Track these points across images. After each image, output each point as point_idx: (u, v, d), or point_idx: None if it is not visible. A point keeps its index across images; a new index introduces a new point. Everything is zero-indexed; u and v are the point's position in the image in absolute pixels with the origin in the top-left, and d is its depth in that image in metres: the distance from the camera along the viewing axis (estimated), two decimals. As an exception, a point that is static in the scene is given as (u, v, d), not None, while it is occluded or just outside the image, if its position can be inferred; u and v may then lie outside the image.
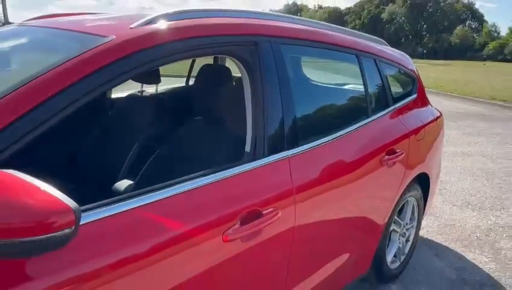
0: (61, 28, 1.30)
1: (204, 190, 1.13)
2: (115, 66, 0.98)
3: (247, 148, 1.33)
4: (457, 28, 66.39)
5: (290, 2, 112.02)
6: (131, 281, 0.91)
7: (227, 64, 2.29)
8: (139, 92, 2.29)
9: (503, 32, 66.43)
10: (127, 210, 0.93)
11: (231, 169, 1.23)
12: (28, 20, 1.86)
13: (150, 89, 2.41)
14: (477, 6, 76.89)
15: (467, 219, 3.27)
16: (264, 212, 1.23)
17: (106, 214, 0.89)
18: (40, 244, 0.66)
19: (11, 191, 0.65)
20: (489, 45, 59.85)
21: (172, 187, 1.06)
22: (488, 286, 2.37)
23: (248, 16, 1.47)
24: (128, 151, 1.71)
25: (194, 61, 2.78)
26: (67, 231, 0.67)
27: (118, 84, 1.03)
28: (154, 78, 2.08)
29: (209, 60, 2.55)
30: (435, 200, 3.51)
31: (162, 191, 1.03)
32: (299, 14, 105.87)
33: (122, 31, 1.08)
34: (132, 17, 1.25)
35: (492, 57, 55.88)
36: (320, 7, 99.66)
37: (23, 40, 1.42)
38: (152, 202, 0.99)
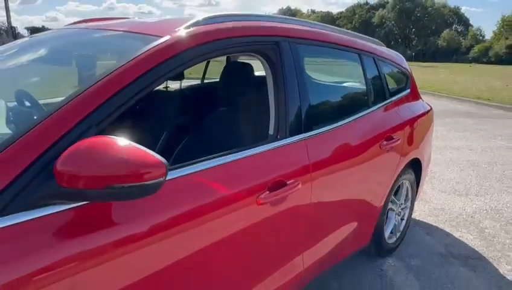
0: (119, 30, 1.49)
1: (239, 163, 1.33)
2: (172, 61, 1.18)
3: (271, 131, 1.54)
4: (444, 31, 66.95)
5: (285, 7, 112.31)
6: (194, 230, 1.12)
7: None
8: (164, 87, 2.48)
9: (488, 35, 67.19)
10: (187, 174, 1.12)
11: (259, 147, 1.43)
12: (71, 24, 2.05)
13: (173, 85, 2.61)
14: (463, 10, 77.46)
15: (454, 203, 3.50)
16: (288, 182, 1.43)
17: (175, 176, 1.09)
18: (141, 189, 0.85)
19: (117, 152, 0.85)
20: (474, 48, 60.48)
21: (215, 160, 1.25)
22: (473, 259, 2.59)
23: (270, 20, 1.67)
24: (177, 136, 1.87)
25: (208, 62, 2.96)
26: (160, 180, 0.87)
27: (173, 75, 1.22)
28: (180, 75, 2.28)
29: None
30: (426, 187, 3.75)
31: (208, 161, 1.22)
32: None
33: (173, 32, 1.28)
34: (176, 20, 1.45)
35: (477, 60, 56.48)
36: (313, 12, 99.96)
37: (92, 39, 1.61)
38: (202, 170, 1.19)
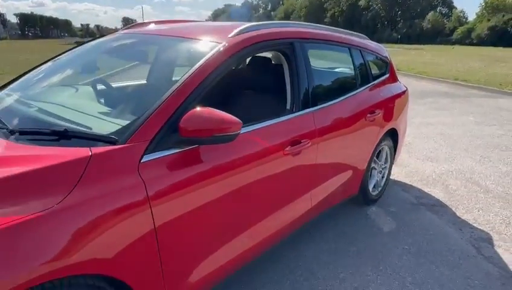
0: (188, 36, 2.06)
1: (272, 127, 1.94)
2: (229, 60, 1.77)
3: (288, 106, 2.15)
4: (429, 14, 67.38)
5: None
6: (249, 166, 1.73)
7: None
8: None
9: (471, 17, 67.92)
10: (246, 132, 1.71)
11: (282, 117, 2.04)
12: (128, 27, 2.61)
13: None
14: (447, -8, 77.57)
15: (426, 167, 4.19)
16: (302, 141, 2.05)
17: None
18: (228, 137, 1.46)
19: (214, 117, 1.45)
20: (458, 30, 61.15)
21: (260, 124, 1.86)
22: (437, 206, 3.28)
23: (286, 26, 2.26)
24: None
25: None
26: (238, 132, 1.48)
27: (227, 71, 1.80)
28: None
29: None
30: (404, 156, 4.43)
31: (257, 124, 1.83)
32: (281, 1, 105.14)
33: (226, 38, 1.86)
34: (225, 27, 2.04)
35: (460, 41, 57.26)
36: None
37: (168, 44, 2.17)
38: (254, 129, 1.79)
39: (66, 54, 2.42)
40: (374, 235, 2.78)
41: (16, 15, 61.68)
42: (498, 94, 9.73)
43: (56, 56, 2.44)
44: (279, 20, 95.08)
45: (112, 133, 1.40)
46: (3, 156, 1.30)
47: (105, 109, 1.85)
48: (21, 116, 1.70)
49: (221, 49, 1.77)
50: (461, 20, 67.42)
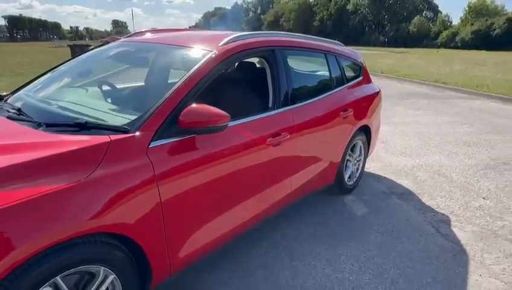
0: (183, 45, 2.40)
1: (257, 121, 2.28)
2: (217, 67, 2.11)
3: (270, 104, 2.50)
4: (415, 18, 68.72)
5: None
6: (237, 154, 2.07)
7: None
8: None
9: (455, 21, 69.48)
10: (233, 125, 2.05)
11: (264, 113, 2.39)
12: (130, 35, 2.94)
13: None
14: (432, -3, 79.23)
15: (400, 161, 4.59)
16: (282, 134, 2.41)
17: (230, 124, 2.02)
18: (218, 128, 1.81)
19: (207, 112, 1.79)
20: (442, 34, 62.50)
21: (246, 118, 2.20)
22: (406, 195, 3.67)
23: (269, 36, 2.62)
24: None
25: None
26: (226, 124, 1.82)
27: (218, 74, 2.14)
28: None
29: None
30: (380, 151, 4.82)
31: (243, 119, 2.17)
32: (271, 5, 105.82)
33: (216, 47, 2.20)
34: (216, 36, 2.38)
35: (445, 45, 58.56)
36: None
37: (165, 51, 2.51)
38: (241, 123, 2.13)
39: (74, 59, 2.74)
40: (348, 219, 3.14)
41: (5, 17, 61.15)
42: (474, 95, 10.26)
43: (65, 62, 2.76)
44: (269, 23, 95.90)
45: (124, 125, 1.74)
46: (39, 141, 1.62)
47: (115, 106, 2.18)
48: (45, 111, 2.01)
49: (213, 56, 2.11)
50: (446, 24, 68.88)
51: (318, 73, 3.32)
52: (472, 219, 3.19)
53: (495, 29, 52.65)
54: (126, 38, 2.88)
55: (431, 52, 39.80)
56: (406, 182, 3.97)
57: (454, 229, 3.01)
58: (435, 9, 75.57)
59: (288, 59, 2.66)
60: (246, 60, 2.78)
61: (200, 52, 2.19)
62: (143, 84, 2.72)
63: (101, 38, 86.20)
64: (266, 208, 2.46)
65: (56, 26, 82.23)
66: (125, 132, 1.69)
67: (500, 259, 2.62)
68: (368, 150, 3.83)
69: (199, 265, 2.18)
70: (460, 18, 66.18)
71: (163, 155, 1.74)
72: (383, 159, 4.63)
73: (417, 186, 3.86)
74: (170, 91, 1.88)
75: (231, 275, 2.32)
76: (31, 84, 2.53)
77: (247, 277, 2.31)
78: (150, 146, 1.70)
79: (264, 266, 2.43)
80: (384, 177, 4.10)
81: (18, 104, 2.12)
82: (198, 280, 2.25)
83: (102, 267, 1.55)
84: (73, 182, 1.43)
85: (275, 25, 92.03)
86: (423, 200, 3.55)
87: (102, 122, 1.81)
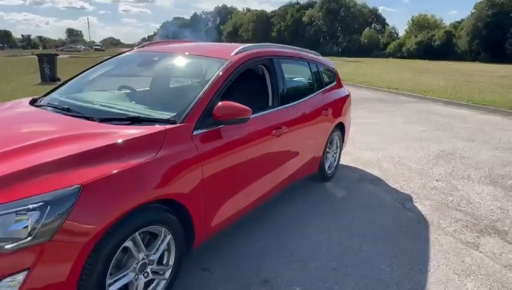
0: (202, 54, 2.83)
1: (263, 116, 2.76)
2: (233, 72, 2.57)
3: (270, 103, 2.99)
4: (365, 30, 72.81)
5: (221, 5, 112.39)
6: (254, 141, 2.54)
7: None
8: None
9: (401, 33, 74.34)
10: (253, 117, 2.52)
11: (266, 111, 2.88)
12: (143, 45, 3.32)
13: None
14: (380, 10, 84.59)
15: (366, 155, 5.26)
16: (282, 127, 2.91)
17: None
18: (243, 120, 2.27)
19: (235, 107, 2.24)
20: (390, 45, 66.66)
21: (258, 113, 2.67)
22: (375, 180, 4.30)
23: (268, 47, 3.12)
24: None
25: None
26: (249, 116, 2.28)
27: (234, 79, 2.60)
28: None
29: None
30: (349, 147, 5.46)
31: (258, 114, 2.63)
32: (229, 16, 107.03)
33: (229, 56, 2.67)
34: (227, 47, 2.84)
35: (393, 55, 62.53)
36: (248, 10, 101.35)
37: (176, 62, 2.92)
38: (255, 117, 2.58)
39: (99, 66, 3.08)
40: (331, 201, 3.70)
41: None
42: (422, 100, 11.43)
43: (92, 67, 3.11)
44: (228, 33, 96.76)
45: (172, 117, 2.15)
46: (105, 131, 1.99)
47: (148, 104, 2.54)
48: (92, 109, 2.36)
49: (229, 64, 2.58)
50: (393, 36, 73.53)
51: (303, 78, 3.86)
52: (429, 196, 3.87)
53: (435, 41, 57.13)
54: (142, 48, 3.26)
55: (381, 61, 42.44)
56: (374, 171, 4.62)
57: (416, 204, 3.66)
58: (382, 22, 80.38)
59: (282, 66, 3.18)
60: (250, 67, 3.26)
61: (218, 61, 2.65)
62: (170, 87, 3.05)
63: (56, 47, 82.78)
64: (273, 186, 2.95)
65: (6, 34, 77.62)
66: (173, 123, 2.11)
67: (452, 223, 3.28)
68: (343, 144, 4.44)
69: (232, 233, 2.60)
70: (405, 30, 71.04)
71: (203, 141, 2.17)
72: (353, 153, 5.28)
73: (383, 174, 4.51)
74: (202, 91, 2.31)
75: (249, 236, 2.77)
76: (64, 88, 2.86)
77: (264, 238, 2.76)
78: (193, 134, 2.13)
79: (278, 233, 2.90)
80: (356, 168, 4.73)
81: (64, 104, 2.44)
82: (234, 243, 2.67)
83: (164, 228, 1.95)
84: (145, 160, 1.83)
85: (234, 35, 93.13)
86: (389, 184, 4.19)
87: (152, 116, 2.21)
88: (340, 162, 4.63)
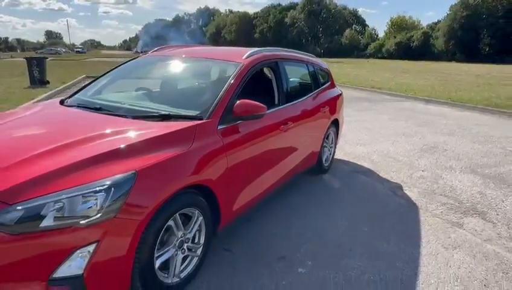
0: (216, 58, 3.11)
1: (272, 113, 3.05)
2: (246, 74, 2.87)
3: (276, 101, 3.30)
4: (346, 31, 74.12)
5: (203, 6, 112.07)
6: (268, 134, 2.84)
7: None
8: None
9: (381, 34, 76.07)
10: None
11: (274, 108, 3.18)
12: (154, 50, 3.57)
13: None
14: (360, 12, 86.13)
15: (357, 150, 5.63)
16: (288, 123, 3.22)
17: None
18: (259, 116, 2.56)
19: (252, 105, 2.54)
20: (370, 45, 68.08)
21: (269, 110, 2.95)
22: (366, 172, 4.66)
23: (274, 51, 3.43)
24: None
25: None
26: (264, 112, 2.58)
27: (247, 80, 2.89)
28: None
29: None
30: (341, 143, 5.82)
31: (269, 110, 2.92)
32: (211, 18, 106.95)
33: (241, 60, 2.96)
34: (239, 51, 3.13)
35: (373, 55, 63.91)
36: (231, 11, 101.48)
37: (193, 65, 3.19)
38: (268, 113, 2.88)
39: (119, 68, 3.33)
40: (329, 190, 4.03)
41: None
42: (404, 98, 11.97)
43: (110, 70, 3.34)
44: (211, 34, 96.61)
45: (199, 114, 2.43)
46: (144, 127, 2.25)
47: (171, 104, 2.78)
48: (123, 108, 2.61)
49: (242, 66, 2.87)
50: (373, 37, 75.13)
51: (303, 78, 4.19)
52: (416, 184, 4.26)
53: (414, 41, 58.72)
54: (157, 53, 3.51)
55: (362, 62, 43.43)
56: (365, 164, 4.98)
57: (405, 192, 4.04)
58: (363, 24, 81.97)
59: (285, 67, 3.49)
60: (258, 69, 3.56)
61: (232, 64, 2.94)
62: (190, 87, 3.25)
63: (35, 49, 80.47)
64: (281, 177, 3.26)
65: (-19, 37, 75.15)
66: (200, 119, 2.39)
67: (438, 206, 3.66)
68: (337, 139, 4.79)
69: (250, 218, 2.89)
70: (385, 31, 72.76)
71: (225, 135, 2.45)
72: (345, 149, 5.64)
73: (374, 166, 4.89)
74: (222, 91, 2.60)
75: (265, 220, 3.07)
76: (87, 90, 3.09)
77: (274, 223, 3.06)
78: (218, 128, 2.41)
79: (287, 219, 3.21)
80: (349, 161, 5.09)
81: (95, 104, 2.68)
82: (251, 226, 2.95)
83: (197, 211, 2.23)
84: (183, 151, 2.11)
85: (217, 36, 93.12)
86: (380, 175, 4.56)
87: (180, 113, 2.48)
88: (335, 156, 4.98)
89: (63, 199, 1.66)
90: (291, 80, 3.67)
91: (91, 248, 1.68)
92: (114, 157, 1.89)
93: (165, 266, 2.11)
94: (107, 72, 3.38)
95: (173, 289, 2.14)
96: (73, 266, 1.66)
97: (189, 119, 2.39)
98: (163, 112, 2.45)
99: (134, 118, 2.41)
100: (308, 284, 2.36)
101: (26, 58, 12.33)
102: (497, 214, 3.51)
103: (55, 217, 1.64)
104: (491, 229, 3.21)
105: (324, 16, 78.17)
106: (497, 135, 6.85)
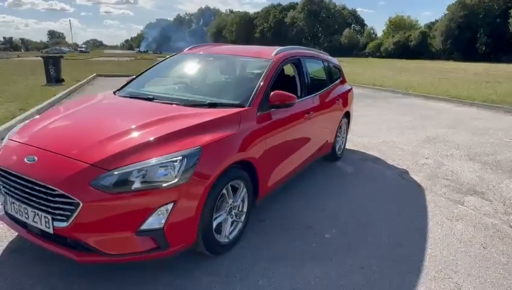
0: (249, 55, 3.50)
1: (298, 103, 3.44)
2: (277, 69, 3.25)
3: (298, 93, 3.69)
4: (345, 30, 74.39)
5: (204, 6, 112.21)
6: (299, 120, 3.23)
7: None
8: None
9: (379, 33, 76.36)
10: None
11: (299, 100, 3.56)
12: (192, 47, 3.96)
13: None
14: (358, 12, 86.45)
15: (364, 140, 6.02)
16: (310, 112, 3.61)
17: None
18: (291, 104, 2.95)
19: (285, 95, 2.92)
20: (369, 45, 68.37)
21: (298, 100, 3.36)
22: (375, 160, 5.06)
23: (296, 49, 3.81)
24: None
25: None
26: (296, 101, 2.97)
27: (277, 74, 3.28)
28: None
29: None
30: (349, 135, 6.19)
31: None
32: (212, 17, 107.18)
33: (271, 57, 3.35)
34: (269, 49, 3.52)
35: (372, 54, 64.23)
36: (231, 11, 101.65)
37: (229, 61, 3.59)
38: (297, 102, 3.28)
39: (158, 65, 3.72)
40: (343, 175, 4.43)
41: None
42: (405, 95, 12.37)
43: (151, 67, 3.73)
44: (212, 34, 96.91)
45: (241, 102, 2.81)
46: (199, 112, 2.64)
47: (213, 94, 3.17)
48: (172, 98, 2.99)
49: (273, 62, 3.26)
50: (372, 36, 75.37)
51: (321, 74, 4.57)
52: (421, 170, 4.66)
53: (412, 41, 59.08)
54: (191, 51, 3.90)
55: (362, 60, 43.80)
56: (373, 153, 5.38)
57: (412, 176, 4.43)
58: (361, 23, 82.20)
59: (307, 64, 3.88)
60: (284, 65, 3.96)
61: (264, 60, 3.32)
62: (226, 81, 3.63)
63: (39, 49, 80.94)
64: (304, 159, 3.66)
65: (-14, 37, 75.45)
66: (242, 107, 2.78)
67: (442, 188, 4.06)
68: (347, 129, 5.19)
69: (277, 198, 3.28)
70: (383, 31, 73.05)
71: (262, 120, 2.84)
72: (353, 140, 6.03)
73: (382, 155, 5.28)
74: (258, 83, 2.99)
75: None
76: (134, 83, 3.48)
77: (299, 200, 3.46)
78: (257, 114, 2.80)
79: (310, 196, 3.60)
80: (358, 151, 5.49)
81: (148, 95, 3.06)
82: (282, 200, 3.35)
83: (242, 183, 2.62)
84: (233, 132, 2.50)
85: (218, 36, 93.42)
86: (388, 162, 4.96)
87: (224, 101, 2.86)
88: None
89: (146, 167, 2.05)
90: (310, 75, 4.06)
91: (169, 206, 2.07)
92: (182, 135, 2.28)
93: (217, 229, 2.50)
94: (148, 69, 3.77)
95: (224, 247, 2.54)
96: (156, 220, 2.05)
97: (232, 107, 2.77)
98: (209, 101, 2.84)
99: (186, 105, 2.80)
100: (337, 245, 2.76)
101: (42, 57, 12.70)
102: (494, 194, 3.91)
103: (141, 181, 2.03)
104: (489, 206, 3.61)
105: (323, 15, 78.47)
106: (494, 128, 7.25)
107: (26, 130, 2.54)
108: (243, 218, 2.73)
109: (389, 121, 7.73)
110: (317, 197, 3.66)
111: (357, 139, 6.09)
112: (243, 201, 2.71)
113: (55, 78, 12.40)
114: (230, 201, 2.55)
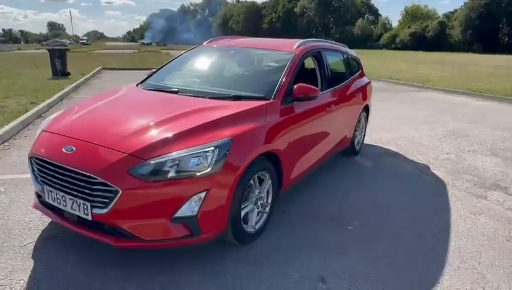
0: (267, 48, 3.67)
1: (320, 97, 3.59)
2: (299, 62, 3.41)
3: (319, 86, 3.84)
4: (358, 21, 73.98)
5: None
6: (321, 112, 3.39)
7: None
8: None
9: (394, 24, 75.77)
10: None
11: (321, 92, 3.72)
12: (211, 40, 4.14)
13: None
14: (372, 1, 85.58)
15: (383, 135, 6.16)
16: (331, 106, 3.77)
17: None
18: (313, 97, 3.11)
19: (308, 88, 3.08)
20: (384, 36, 67.91)
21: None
22: (394, 154, 5.19)
23: (316, 41, 3.97)
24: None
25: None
26: (318, 94, 3.13)
27: (299, 67, 3.44)
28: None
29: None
30: (367, 130, 6.35)
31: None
32: (218, 8, 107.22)
33: (293, 49, 3.50)
34: (291, 42, 3.68)
35: (387, 46, 63.82)
36: (238, 1, 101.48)
37: (251, 54, 3.76)
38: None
39: (177, 59, 3.90)
40: (362, 168, 4.58)
41: None
42: (422, 89, 12.42)
43: (171, 60, 3.92)
44: (218, 25, 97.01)
45: (265, 95, 2.98)
46: (225, 104, 2.81)
47: (243, 86, 3.33)
48: (196, 91, 3.17)
49: (295, 56, 3.42)
50: (386, 27, 74.82)
51: (341, 67, 4.72)
52: (442, 165, 4.79)
53: (429, 32, 58.58)
54: (211, 43, 4.08)
55: (376, 53, 43.57)
56: (392, 147, 5.52)
57: (433, 171, 4.57)
58: (375, 13, 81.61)
59: (327, 57, 4.03)
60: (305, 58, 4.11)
61: (286, 53, 3.48)
62: (249, 73, 3.75)
63: (39, 41, 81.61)
64: (325, 153, 3.83)
65: (-15, 29, 76.50)
66: (267, 99, 2.94)
67: (464, 182, 4.19)
68: (366, 123, 5.33)
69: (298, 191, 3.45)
70: (399, 21, 72.48)
71: (286, 113, 3.00)
72: (371, 135, 6.16)
73: (401, 149, 5.42)
74: (282, 76, 3.15)
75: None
76: (156, 76, 3.67)
77: (320, 193, 3.63)
78: (281, 108, 2.97)
79: (331, 190, 3.77)
80: (376, 145, 5.63)
81: (172, 88, 3.24)
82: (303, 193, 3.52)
83: (268, 174, 2.79)
84: (260, 124, 2.67)
85: (224, 27, 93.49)
86: (408, 157, 5.10)
87: (249, 94, 3.03)
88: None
89: (180, 157, 2.23)
90: (330, 68, 4.21)
91: (202, 195, 2.25)
92: (212, 127, 2.46)
93: (244, 219, 2.68)
94: (170, 61, 3.96)
95: (251, 237, 2.72)
96: (190, 208, 2.23)
97: (256, 100, 2.94)
98: (234, 94, 3.01)
99: (211, 98, 2.97)
100: (360, 237, 2.92)
101: (48, 50, 12.98)
102: (518, 189, 4.04)
103: (176, 170, 2.21)
104: (512, 201, 3.75)
105: (335, 5, 78.06)
106: (517, 123, 7.32)
107: (59, 121, 2.74)
108: (267, 209, 2.90)
109: (407, 115, 7.83)
110: (338, 191, 3.82)
111: (375, 135, 6.22)
112: (267, 192, 2.89)
113: (61, 72, 12.68)
114: (257, 192, 2.73)
